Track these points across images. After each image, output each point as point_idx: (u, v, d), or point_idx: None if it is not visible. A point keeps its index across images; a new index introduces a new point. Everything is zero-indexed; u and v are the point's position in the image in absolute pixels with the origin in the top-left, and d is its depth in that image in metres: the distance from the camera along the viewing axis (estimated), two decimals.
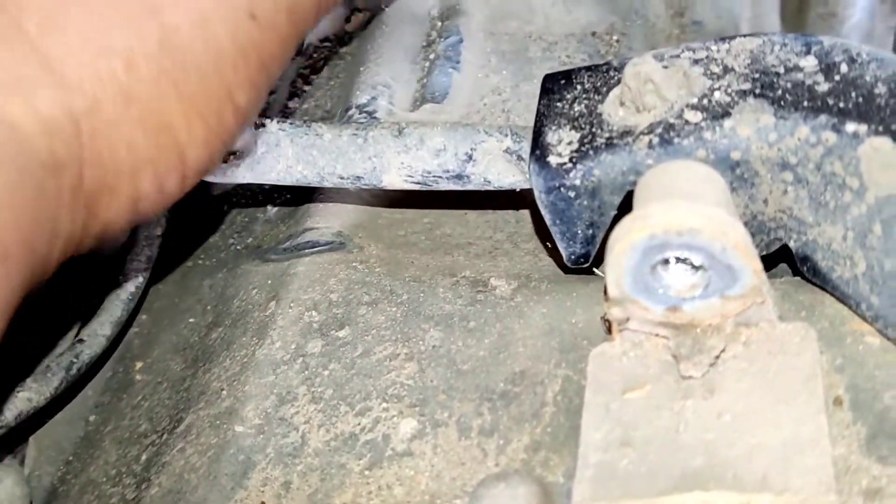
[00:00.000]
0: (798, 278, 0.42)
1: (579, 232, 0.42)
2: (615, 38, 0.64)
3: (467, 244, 0.53)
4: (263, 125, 0.48)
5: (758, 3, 0.72)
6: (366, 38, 0.65)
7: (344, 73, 0.65)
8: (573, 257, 0.43)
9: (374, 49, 0.63)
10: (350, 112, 0.59)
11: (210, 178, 0.49)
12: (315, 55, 0.68)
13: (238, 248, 0.58)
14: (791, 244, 0.39)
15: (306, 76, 0.67)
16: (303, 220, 0.55)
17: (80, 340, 0.48)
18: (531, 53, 0.63)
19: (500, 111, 0.60)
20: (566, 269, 0.48)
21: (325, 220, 0.54)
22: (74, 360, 0.47)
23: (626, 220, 0.35)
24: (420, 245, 0.53)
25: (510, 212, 0.55)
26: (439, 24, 0.65)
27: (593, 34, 0.64)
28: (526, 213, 0.54)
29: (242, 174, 0.48)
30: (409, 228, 0.54)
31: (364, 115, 0.59)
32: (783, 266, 0.44)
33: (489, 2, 0.65)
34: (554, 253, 0.47)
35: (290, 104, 0.66)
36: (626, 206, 0.41)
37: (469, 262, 0.51)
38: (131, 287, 0.51)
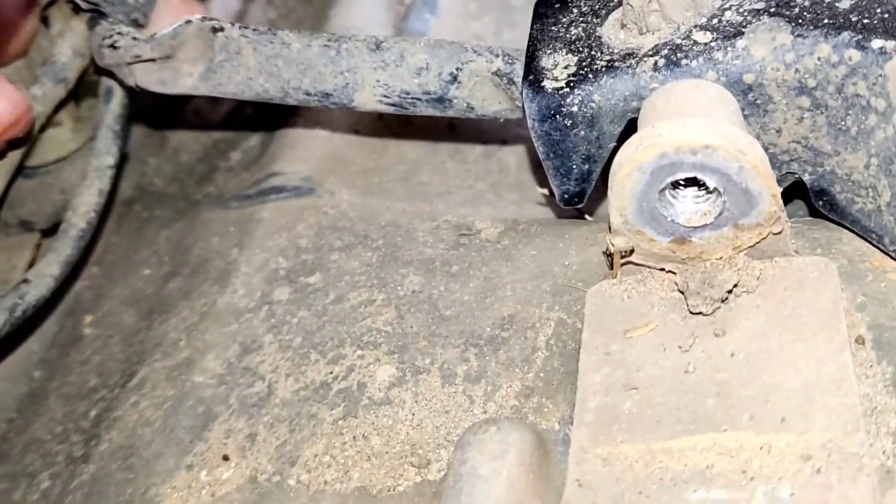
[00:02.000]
0: (811, 217, 0.39)
1: (574, 167, 0.39)
2: None
3: (447, 192, 0.49)
4: (222, 29, 0.43)
5: None
6: None
7: (311, 20, 0.61)
8: (567, 196, 0.40)
9: None
10: None
11: (157, 89, 0.45)
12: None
13: (197, 197, 0.54)
14: (806, 178, 0.36)
15: (274, 21, 0.63)
16: (267, 165, 0.51)
17: (26, 281, 0.44)
18: (513, 1, 0.60)
19: None
20: (560, 215, 0.45)
21: (291, 165, 0.50)
22: (19, 302, 0.43)
23: (633, 140, 0.32)
24: (396, 192, 0.49)
25: (492, 160, 0.51)
26: None
27: None
28: (509, 162, 0.51)
29: (195, 84, 0.44)
30: (383, 176, 0.50)
31: None
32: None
33: None
34: (551, 201, 0.43)
35: None
36: (625, 138, 0.37)
37: (450, 209, 0.47)
38: (81, 223, 0.46)
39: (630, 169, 0.32)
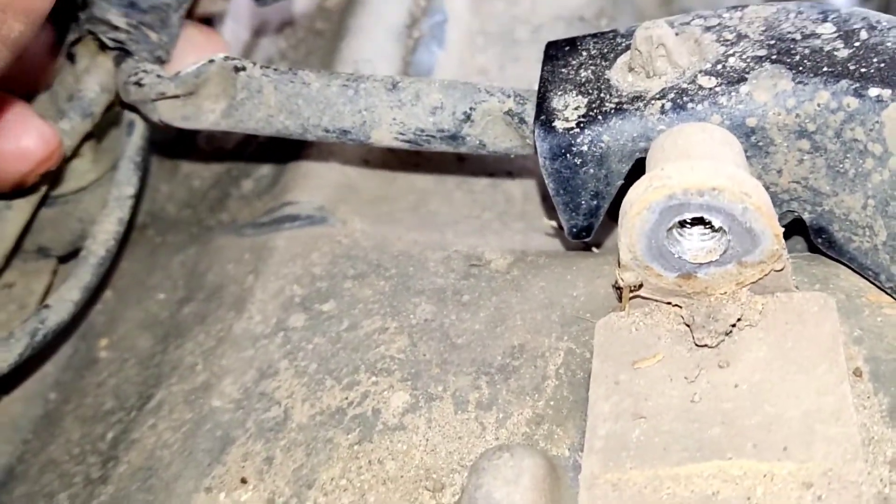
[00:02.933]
0: (810, 253, 0.40)
1: (583, 203, 0.40)
2: (603, 22, 0.63)
3: (455, 222, 0.51)
4: (244, 68, 0.45)
5: None
6: (346, 14, 0.63)
7: (322, 51, 0.63)
8: (575, 230, 0.41)
9: (355, 25, 0.61)
10: None
11: (180, 124, 0.46)
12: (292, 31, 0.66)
13: (210, 224, 0.56)
14: (805, 216, 0.38)
15: (284, 53, 0.65)
16: (281, 194, 0.52)
17: (46, 306, 0.45)
18: (518, 35, 0.62)
19: None
20: (567, 247, 0.46)
21: (305, 194, 0.51)
22: (40, 326, 0.44)
23: (644, 181, 0.34)
24: (406, 222, 0.51)
25: (498, 191, 0.53)
26: (423, 1, 0.63)
27: (581, 18, 0.63)
28: (514, 193, 0.53)
29: (217, 121, 0.46)
30: (393, 205, 0.52)
31: None
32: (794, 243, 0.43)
33: None
34: (559, 232, 0.45)
35: None
36: (632, 176, 0.39)
37: (459, 238, 0.49)
38: (101, 251, 0.48)
39: (640, 208, 0.33)
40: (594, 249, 0.45)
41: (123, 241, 0.51)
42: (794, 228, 0.40)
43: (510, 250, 0.45)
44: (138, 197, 0.50)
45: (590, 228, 0.41)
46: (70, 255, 0.53)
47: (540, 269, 0.43)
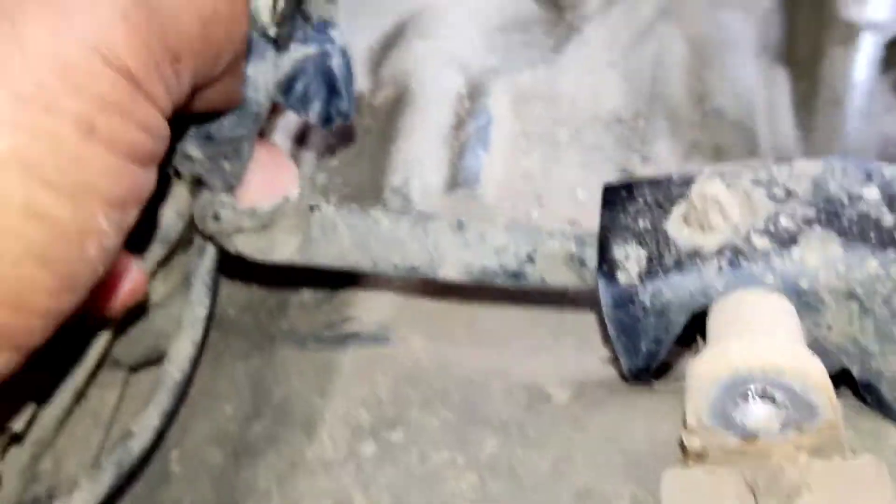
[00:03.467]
0: (859, 402, 0.43)
1: (643, 347, 0.43)
2: (641, 124, 0.65)
3: (509, 340, 0.53)
4: (319, 207, 0.48)
5: (771, 88, 0.74)
6: (394, 115, 0.65)
7: (371, 150, 0.65)
8: (633, 371, 0.44)
9: (404, 127, 0.63)
10: (384, 194, 0.59)
11: (256, 257, 0.49)
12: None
13: (272, 331, 0.58)
14: (854, 371, 0.40)
15: (334, 148, 0.67)
16: (342, 307, 0.55)
17: (130, 433, 0.47)
18: (559, 137, 0.64)
19: (532, 196, 0.61)
20: (624, 378, 0.49)
21: (365, 310, 0.54)
22: (126, 456, 0.46)
23: (709, 355, 0.36)
24: (463, 339, 0.53)
25: (550, 307, 0.55)
26: (468, 103, 0.65)
27: (619, 120, 0.66)
28: (565, 308, 0.55)
29: (291, 255, 0.48)
30: (449, 322, 0.54)
31: (399, 196, 0.59)
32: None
33: (516, 83, 0.66)
34: (615, 362, 0.47)
35: (317, 179, 0.66)
36: (691, 323, 0.42)
37: (516, 360, 0.51)
38: (177, 375, 0.50)
39: (706, 382, 0.36)
40: (653, 382, 0.47)
41: (197, 362, 0.54)
42: (843, 376, 0.43)
43: (569, 381, 0.48)
44: (210, 317, 0.53)
45: (648, 370, 0.44)
46: (139, 366, 0.56)
47: (600, 405, 0.46)
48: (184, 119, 0.46)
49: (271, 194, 0.51)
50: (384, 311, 0.54)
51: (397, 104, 0.66)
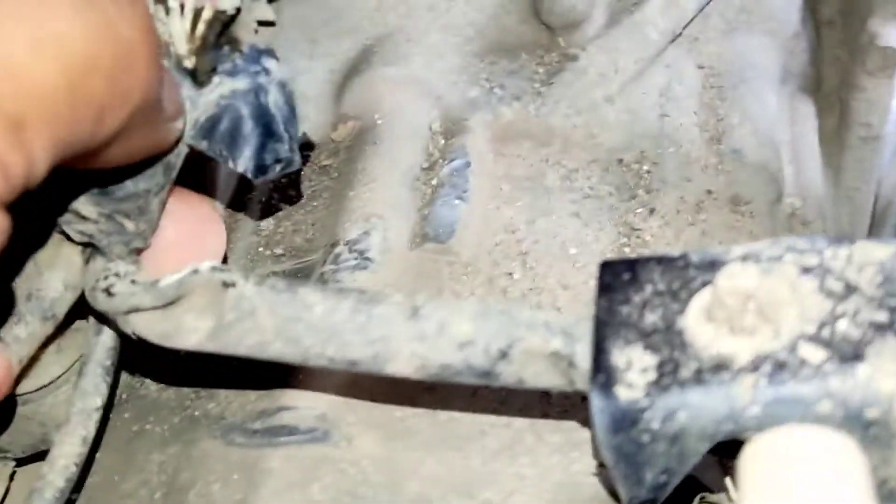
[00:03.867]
0: None
1: (648, 477, 0.33)
2: (645, 167, 0.56)
3: (480, 434, 0.43)
4: (234, 284, 0.38)
5: (795, 123, 0.64)
6: (355, 154, 0.56)
7: (328, 193, 0.56)
8: (636, 503, 0.34)
9: (365, 169, 0.54)
10: (338, 249, 0.50)
11: (158, 342, 0.39)
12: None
13: (196, 414, 0.48)
14: None
15: (283, 191, 0.57)
16: (278, 393, 0.45)
17: None
18: (548, 181, 0.55)
19: (516, 254, 0.51)
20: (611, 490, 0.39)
21: (305, 399, 0.44)
22: None
23: None
24: (422, 434, 0.43)
25: (530, 391, 0.45)
26: (442, 141, 0.56)
27: (620, 161, 0.56)
28: (549, 393, 0.45)
29: (200, 342, 0.38)
30: (407, 409, 0.44)
31: (355, 253, 0.50)
32: None
33: (500, 118, 0.56)
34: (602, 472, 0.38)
35: (262, 224, 0.56)
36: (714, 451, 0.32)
37: (486, 466, 0.41)
38: (59, 482, 0.40)
39: None
40: None
41: (88, 464, 0.44)
42: None
43: (552, 501, 0.38)
44: (107, 407, 0.43)
45: (654, 502, 0.34)
46: (30, 458, 0.46)
47: None
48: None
49: (189, 257, 0.40)
50: (326, 400, 0.44)
51: (360, 141, 0.56)
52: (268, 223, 0.56)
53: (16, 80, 0.24)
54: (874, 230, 0.64)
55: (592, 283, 0.50)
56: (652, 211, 0.53)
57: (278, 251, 0.54)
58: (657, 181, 0.55)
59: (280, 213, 0.56)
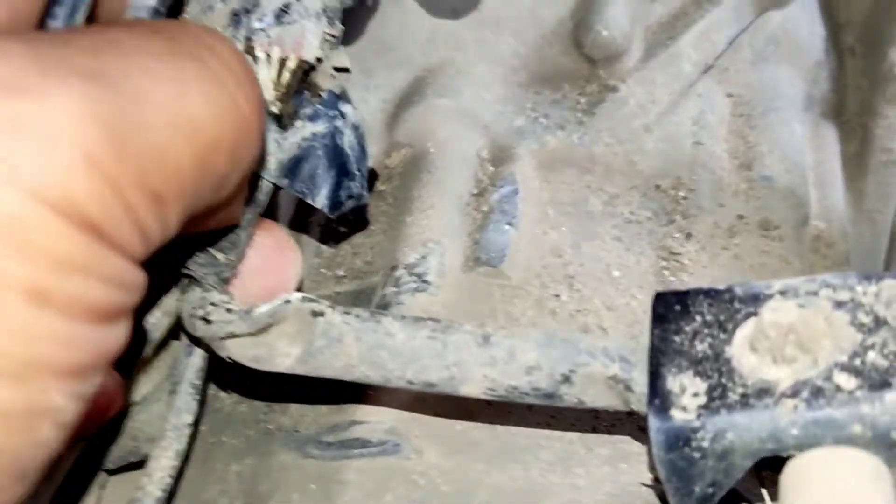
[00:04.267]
0: None
1: (697, 489, 0.37)
2: (681, 193, 0.59)
3: (536, 446, 0.47)
4: (323, 313, 0.42)
5: (819, 149, 0.68)
6: (410, 181, 0.59)
7: (384, 218, 0.59)
8: None
9: (421, 196, 0.57)
10: (397, 273, 0.54)
11: (251, 365, 0.43)
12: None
13: (270, 427, 0.52)
14: None
15: (344, 215, 0.61)
16: (348, 409, 0.49)
17: None
18: (591, 206, 0.58)
19: (562, 276, 0.55)
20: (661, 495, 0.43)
21: (375, 413, 0.48)
22: None
23: None
24: (484, 447, 0.47)
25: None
26: (491, 168, 0.60)
27: (657, 187, 0.60)
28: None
29: (292, 365, 0.42)
30: (468, 423, 0.48)
31: (414, 276, 0.54)
32: None
33: (545, 146, 0.60)
34: (659, 487, 0.41)
35: (323, 247, 0.60)
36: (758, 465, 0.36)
37: (543, 477, 0.45)
38: (157, 491, 0.44)
39: None
40: None
41: (180, 475, 0.48)
42: None
43: None
44: (197, 422, 0.47)
45: None
46: (120, 469, 0.50)
47: None
48: None
49: (270, 282, 0.45)
50: (395, 415, 0.48)
51: (413, 168, 0.60)
52: (329, 246, 0.60)
53: (161, 163, 0.27)
54: (895, 250, 0.67)
55: (634, 305, 0.54)
56: (689, 235, 0.57)
57: (340, 273, 0.58)
58: (693, 206, 0.58)
59: (340, 237, 0.60)
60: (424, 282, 0.53)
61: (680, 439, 0.35)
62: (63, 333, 0.25)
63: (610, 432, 0.48)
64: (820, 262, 0.61)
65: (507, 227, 0.56)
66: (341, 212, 0.46)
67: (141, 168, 0.26)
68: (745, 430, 0.35)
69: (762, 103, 0.66)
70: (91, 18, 0.35)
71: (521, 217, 0.56)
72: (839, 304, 0.36)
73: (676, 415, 0.36)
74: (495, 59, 0.63)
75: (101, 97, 0.25)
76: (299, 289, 0.49)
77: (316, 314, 0.41)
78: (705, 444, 0.35)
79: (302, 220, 0.60)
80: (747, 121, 0.65)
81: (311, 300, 0.42)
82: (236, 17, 0.42)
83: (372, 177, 0.59)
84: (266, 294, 0.46)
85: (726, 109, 0.65)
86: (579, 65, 0.63)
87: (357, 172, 0.45)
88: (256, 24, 0.41)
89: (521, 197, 0.57)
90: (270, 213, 0.50)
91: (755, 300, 0.37)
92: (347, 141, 0.44)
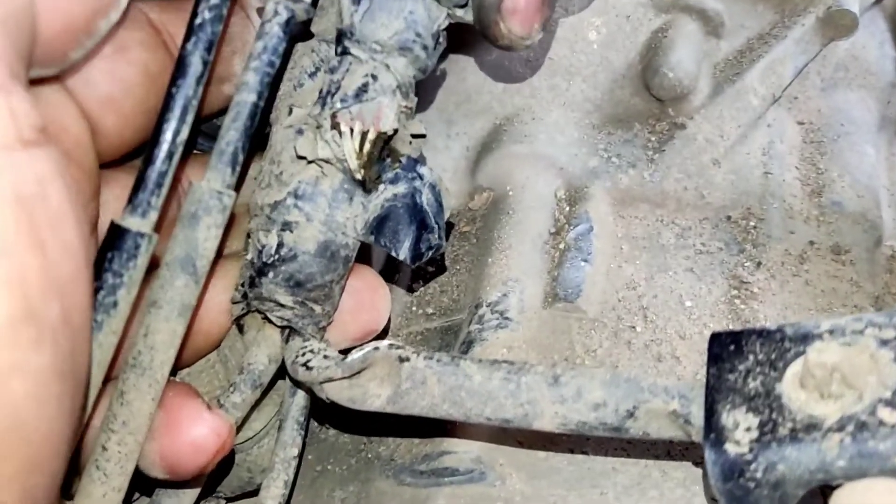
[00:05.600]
0: None
1: None
2: (752, 223, 0.62)
3: (612, 471, 0.51)
4: (408, 359, 0.46)
5: (894, 169, 0.69)
6: (491, 222, 0.63)
7: (469, 258, 0.64)
8: None
9: (501, 237, 0.61)
10: (481, 311, 0.58)
11: (347, 405, 0.48)
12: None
13: (369, 456, 0.57)
14: None
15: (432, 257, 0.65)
16: (439, 439, 0.53)
17: None
18: (664, 240, 0.61)
19: (637, 308, 0.58)
20: None
21: (462, 444, 0.52)
22: None
23: None
24: (563, 473, 0.51)
25: None
26: (567, 207, 0.63)
27: (728, 218, 0.62)
28: None
29: (382, 405, 0.47)
30: (548, 450, 0.52)
31: (496, 314, 0.57)
32: None
33: (618, 184, 0.63)
34: None
35: (414, 286, 0.64)
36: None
37: (619, 500, 0.49)
38: None
39: None
40: None
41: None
42: None
43: None
44: (301, 454, 0.52)
45: None
46: (236, 497, 0.55)
47: None
48: (270, 264, 0.46)
49: (364, 319, 0.50)
50: (480, 445, 0.52)
51: (494, 210, 0.64)
52: (417, 285, 0.64)
53: None
54: None
55: (706, 333, 0.57)
56: (759, 264, 0.59)
57: (429, 310, 0.63)
58: (763, 235, 0.61)
59: (429, 276, 0.64)
60: (506, 318, 0.57)
61: (734, 471, 0.39)
62: None
63: (684, 456, 0.51)
64: (895, 282, 0.63)
65: (583, 263, 0.59)
66: (421, 262, 0.51)
67: None
68: (795, 462, 0.38)
69: (833, 129, 0.68)
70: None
71: (596, 253, 0.59)
72: (884, 343, 0.39)
73: (731, 448, 0.39)
74: (568, 103, 0.66)
75: None
76: (386, 328, 0.54)
77: (402, 359, 0.46)
78: (758, 475, 0.38)
79: (394, 262, 0.65)
80: (818, 147, 0.67)
81: (398, 347, 0.46)
82: (322, 97, 0.47)
83: (448, 227, 0.64)
84: (361, 331, 0.51)
85: (797, 137, 0.67)
86: (649, 105, 0.66)
87: (435, 226, 0.49)
88: (339, 105, 0.46)
89: (596, 234, 0.60)
90: (364, 257, 0.55)
91: (804, 340, 0.40)
92: (426, 199, 0.49)
